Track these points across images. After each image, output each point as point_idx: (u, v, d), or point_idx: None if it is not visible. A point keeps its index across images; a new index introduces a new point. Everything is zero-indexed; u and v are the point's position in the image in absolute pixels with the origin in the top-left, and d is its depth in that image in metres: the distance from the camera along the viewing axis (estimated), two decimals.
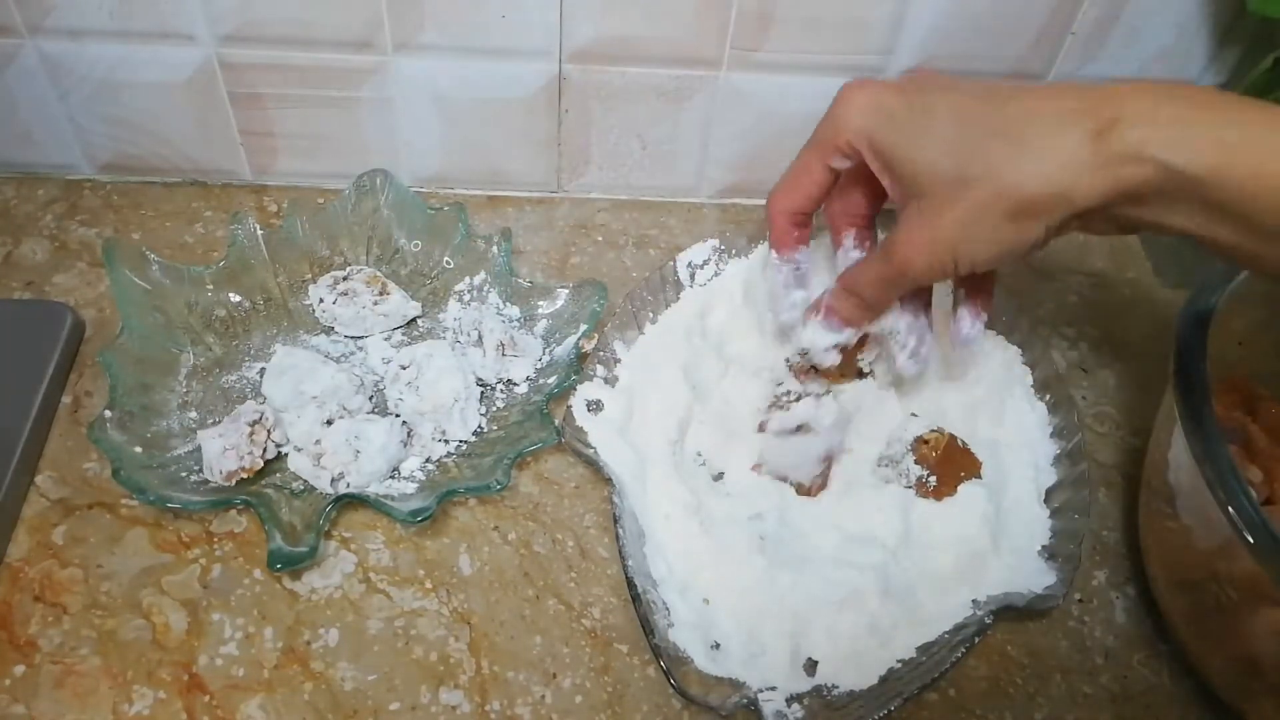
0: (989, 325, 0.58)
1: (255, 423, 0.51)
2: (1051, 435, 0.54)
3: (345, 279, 0.57)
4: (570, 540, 0.52)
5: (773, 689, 0.45)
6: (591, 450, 0.52)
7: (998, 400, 0.55)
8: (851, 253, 0.49)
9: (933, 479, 0.51)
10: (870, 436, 0.53)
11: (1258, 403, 0.51)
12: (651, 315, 0.58)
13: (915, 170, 0.41)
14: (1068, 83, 0.40)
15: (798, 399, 0.52)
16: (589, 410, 0.53)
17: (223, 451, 0.50)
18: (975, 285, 0.48)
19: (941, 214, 0.40)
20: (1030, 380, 0.56)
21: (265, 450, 0.51)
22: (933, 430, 0.52)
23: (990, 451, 0.53)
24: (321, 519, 0.48)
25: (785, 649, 0.47)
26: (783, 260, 0.50)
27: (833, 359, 0.50)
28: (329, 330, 0.58)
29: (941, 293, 0.53)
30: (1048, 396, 0.55)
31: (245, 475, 0.50)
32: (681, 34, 0.58)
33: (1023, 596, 0.47)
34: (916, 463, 0.51)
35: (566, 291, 0.58)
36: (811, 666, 0.46)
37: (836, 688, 0.45)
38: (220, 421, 0.52)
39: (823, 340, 0.49)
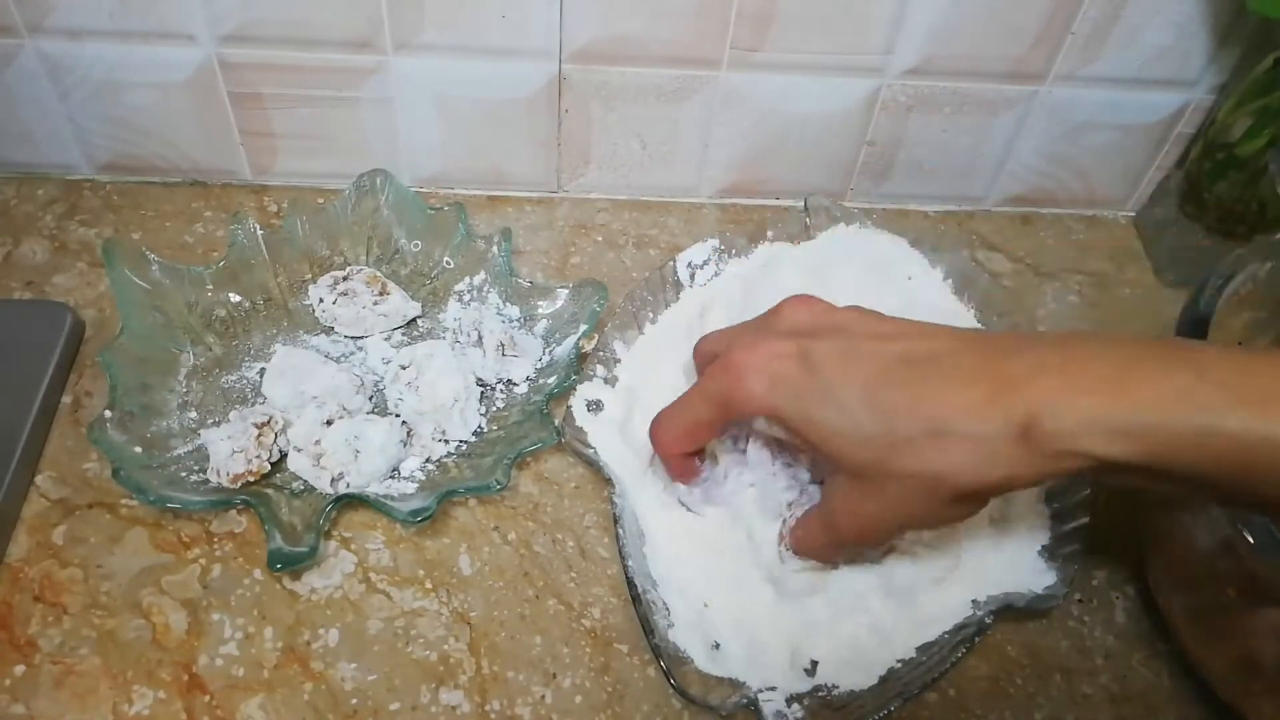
0: (990, 324, 0.58)
1: (263, 425, 0.51)
2: None
3: (345, 279, 0.57)
4: (570, 540, 0.52)
5: (773, 689, 0.45)
6: (591, 450, 0.52)
7: None
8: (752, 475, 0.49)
9: None
10: None
11: None
12: (651, 315, 0.58)
13: (833, 448, 0.40)
14: (963, 348, 0.39)
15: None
16: (589, 410, 0.53)
17: (230, 454, 0.50)
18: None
19: (882, 497, 0.40)
20: None
21: (272, 453, 0.51)
22: None
23: None
24: (321, 519, 0.48)
25: (785, 649, 0.47)
26: (686, 489, 0.50)
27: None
28: (329, 330, 0.58)
29: None
30: None
31: (252, 478, 0.50)
32: (682, 34, 0.58)
33: (1023, 596, 0.47)
34: None
35: (566, 291, 0.58)
36: (812, 666, 0.46)
37: (836, 688, 0.45)
38: (221, 422, 0.52)
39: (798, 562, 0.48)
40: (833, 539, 0.44)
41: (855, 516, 0.42)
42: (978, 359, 0.38)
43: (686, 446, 0.47)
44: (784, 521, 0.48)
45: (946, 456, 0.37)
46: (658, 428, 0.46)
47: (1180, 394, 0.34)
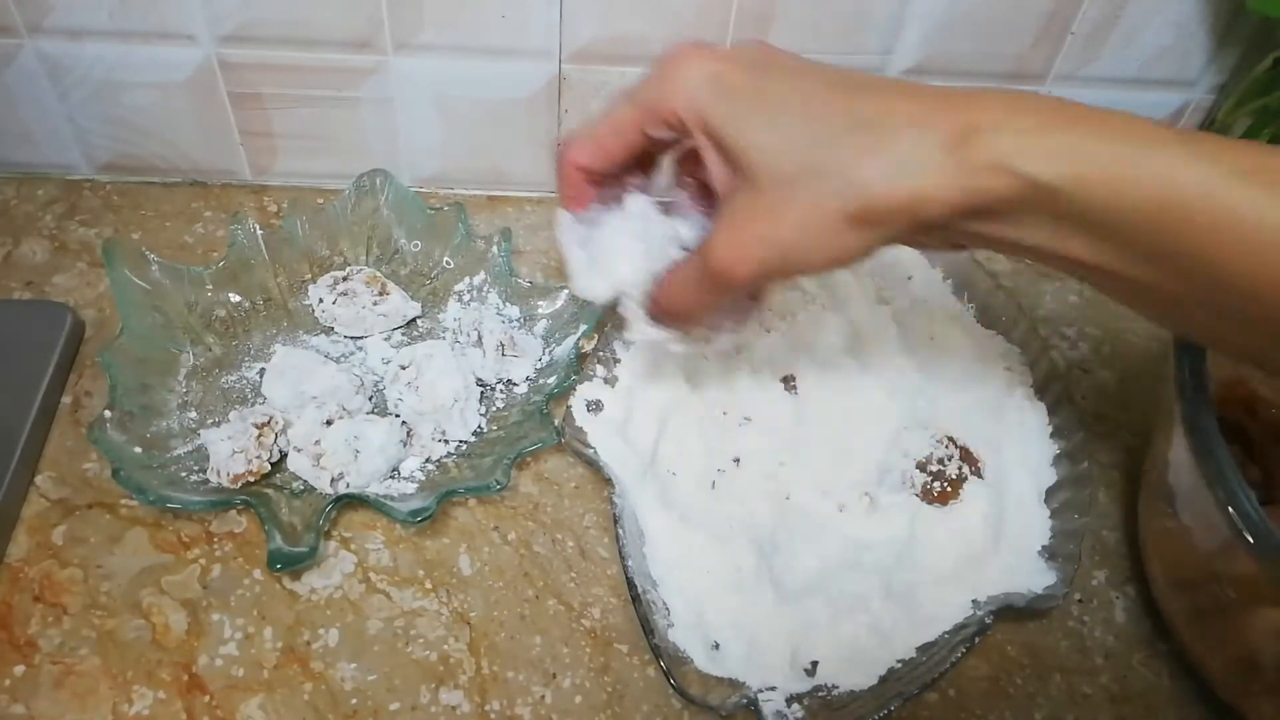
0: (990, 324, 0.58)
1: (263, 425, 0.51)
2: (1051, 435, 0.54)
3: (345, 279, 0.57)
4: (570, 540, 0.52)
5: (773, 689, 0.45)
6: (591, 450, 0.52)
7: (997, 400, 0.55)
8: (638, 207, 0.43)
9: (937, 485, 0.51)
10: (870, 441, 0.53)
11: (1257, 403, 0.51)
12: None
13: (752, 158, 0.37)
14: (921, 85, 0.37)
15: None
16: (589, 410, 0.53)
17: (231, 454, 0.50)
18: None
19: (776, 212, 0.37)
20: (1030, 380, 0.56)
21: (272, 453, 0.51)
22: (940, 443, 0.52)
23: (991, 450, 0.53)
24: (321, 519, 0.48)
25: (785, 649, 0.47)
26: (576, 219, 0.44)
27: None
28: (329, 330, 0.58)
29: None
30: (1048, 396, 0.55)
31: (252, 478, 0.50)
32: (682, 34, 0.58)
33: (1023, 597, 0.47)
34: (920, 469, 0.51)
35: (566, 292, 0.58)
36: (812, 667, 0.46)
37: (837, 688, 0.45)
38: (221, 422, 0.52)
39: (649, 334, 0.45)
40: (704, 274, 0.39)
41: (739, 235, 0.38)
42: (930, 90, 0.36)
43: (595, 157, 0.42)
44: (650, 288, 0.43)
45: (869, 160, 0.35)
46: (567, 143, 0.42)
47: (1125, 129, 0.33)
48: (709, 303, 0.42)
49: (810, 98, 0.37)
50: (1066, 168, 0.33)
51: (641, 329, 0.45)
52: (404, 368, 0.54)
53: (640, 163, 0.44)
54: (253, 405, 0.54)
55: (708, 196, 0.43)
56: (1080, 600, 0.51)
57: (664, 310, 0.43)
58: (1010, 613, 0.48)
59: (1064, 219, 0.34)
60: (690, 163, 0.43)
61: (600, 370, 0.55)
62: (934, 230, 0.36)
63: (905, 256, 0.60)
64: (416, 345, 0.56)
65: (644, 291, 0.44)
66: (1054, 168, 0.33)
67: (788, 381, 0.54)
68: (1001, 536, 0.50)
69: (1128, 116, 0.33)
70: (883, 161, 0.35)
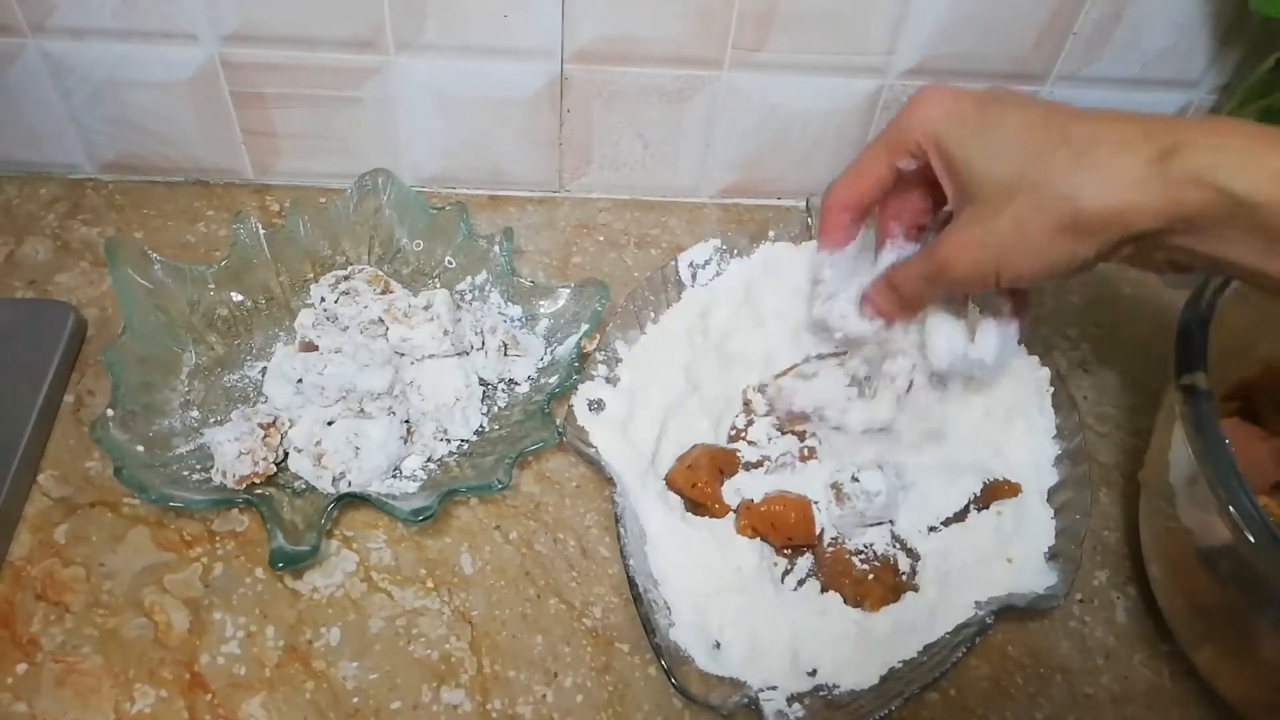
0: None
1: (269, 425, 0.51)
2: (1053, 435, 0.54)
3: (347, 278, 0.58)
4: (572, 540, 0.52)
5: (773, 688, 0.45)
6: (593, 450, 0.52)
7: (1014, 406, 0.54)
8: (896, 251, 0.49)
9: None
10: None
11: (1258, 403, 0.51)
12: (653, 315, 0.58)
13: (975, 175, 0.41)
14: (1131, 112, 0.40)
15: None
16: (590, 410, 0.54)
17: (238, 455, 0.50)
18: (1013, 300, 0.48)
19: (993, 217, 0.40)
20: (1049, 387, 0.55)
21: (277, 454, 0.51)
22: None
23: (995, 452, 0.53)
24: (323, 518, 0.48)
25: (786, 649, 0.47)
26: (829, 253, 0.50)
27: (859, 339, 0.49)
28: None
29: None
30: (1049, 397, 0.55)
31: (257, 479, 0.50)
32: (683, 34, 0.59)
33: (1024, 597, 0.47)
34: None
35: (568, 291, 0.58)
36: (813, 671, 0.46)
37: (837, 687, 0.45)
38: (223, 421, 0.52)
39: (854, 325, 0.49)
40: (926, 266, 0.44)
41: (960, 237, 0.42)
42: (1141, 115, 0.39)
43: (853, 193, 0.47)
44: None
45: (1077, 174, 0.38)
46: (831, 186, 0.48)
47: None
48: (928, 292, 0.46)
49: (1029, 123, 0.40)
50: (1268, 184, 0.35)
51: (850, 320, 0.49)
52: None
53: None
54: (254, 405, 0.54)
55: None
56: (1081, 600, 0.51)
57: (890, 289, 0.47)
58: (1011, 613, 0.48)
59: (1268, 236, 0.36)
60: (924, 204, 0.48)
61: (602, 370, 0.55)
62: (1143, 243, 0.39)
63: None
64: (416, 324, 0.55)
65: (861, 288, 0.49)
66: (1255, 183, 0.35)
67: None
68: (1003, 536, 0.50)
69: None
70: (1091, 175, 0.38)
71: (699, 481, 0.50)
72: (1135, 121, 0.38)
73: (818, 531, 0.50)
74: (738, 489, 0.51)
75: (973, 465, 0.52)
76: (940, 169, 0.43)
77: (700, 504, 0.51)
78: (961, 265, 0.42)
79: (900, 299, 0.47)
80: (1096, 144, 0.38)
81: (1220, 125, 0.37)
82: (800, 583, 0.50)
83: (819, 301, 0.51)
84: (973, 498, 0.51)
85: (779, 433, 0.52)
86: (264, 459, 0.50)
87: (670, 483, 0.51)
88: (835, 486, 0.49)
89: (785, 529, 0.49)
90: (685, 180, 0.68)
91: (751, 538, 0.50)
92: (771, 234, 0.60)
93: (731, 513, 0.51)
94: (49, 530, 0.50)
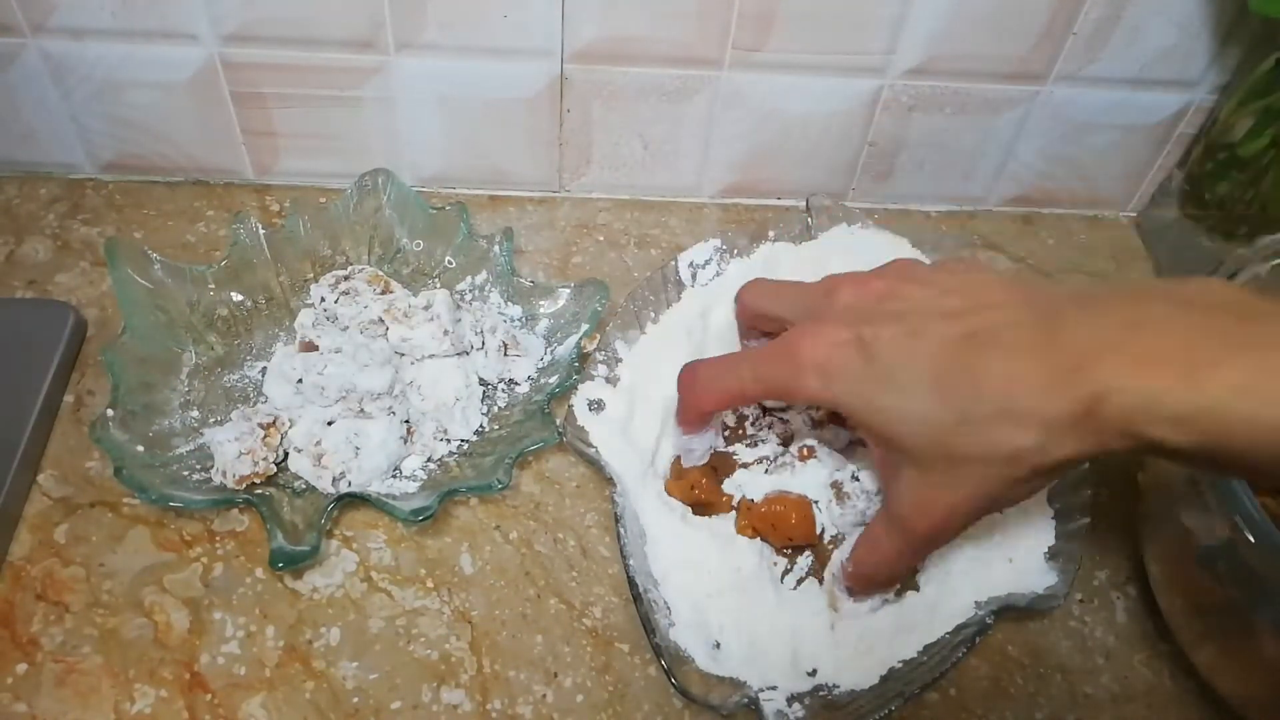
0: None
1: (269, 425, 0.51)
2: None
3: (347, 278, 0.58)
4: (572, 539, 0.52)
5: (774, 688, 0.45)
6: (593, 450, 0.52)
7: None
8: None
9: None
10: None
11: None
12: (653, 315, 0.58)
13: (903, 440, 0.40)
14: (1029, 321, 0.38)
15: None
16: (590, 410, 0.53)
17: (238, 455, 0.50)
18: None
19: (956, 484, 0.39)
20: None
21: (278, 454, 0.51)
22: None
23: None
24: (323, 518, 0.48)
25: (786, 649, 0.47)
26: (690, 436, 0.50)
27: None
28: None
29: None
30: None
31: (258, 480, 0.50)
32: (683, 34, 0.59)
33: (1024, 597, 0.47)
34: None
35: (568, 291, 0.58)
36: (813, 672, 0.46)
37: (837, 687, 0.45)
38: (224, 421, 0.52)
39: (857, 609, 0.48)
40: (906, 541, 0.43)
41: (930, 509, 0.40)
42: (1039, 332, 0.37)
43: (716, 407, 0.47)
44: (835, 566, 0.48)
45: (1016, 437, 0.37)
46: (694, 379, 0.46)
47: (1244, 388, 0.33)
48: (913, 565, 0.47)
49: (933, 373, 0.38)
50: (1194, 436, 0.33)
51: (848, 606, 0.48)
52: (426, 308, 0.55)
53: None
54: (254, 404, 0.54)
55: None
56: (1081, 600, 0.51)
57: (865, 578, 0.46)
58: (1011, 612, 0.48)
59: (1206, 462, 0.35)
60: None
61: (602, 370, 0.55)
62: None
63: (907, 256, 0.59)
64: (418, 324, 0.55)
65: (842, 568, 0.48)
66: (1183, 437, 0.34)
67: None
68: (1003, 537, 0.50)
69: (1250, 362, 0.33)
70: (1031, 439, 0.37)
71: (696, 485, 0.50)
72: (1040, 355, 0.36)
73: (818, 531, 0.50)
74: (739, 485, 0.51)
75: None
76: (850, 424, 0.44)
77: (705, 505, 0.51)
78: (947, 534, 0.42)
79: (882, 583, 0.47)
80: (1016, 401, 0.36)
81: (1129, 346, 0.35)
82: (800, 582, 0.50)
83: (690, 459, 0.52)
84: None
85: (774, 435, 0.52)
86: (264, 459, 0.50)
87: (670, 493, 0.51)
88: (835, 485, 0.49)
89: (786, 529, 0.49)
90: (685, 180, 0.68)
91: (752, 538, 0.50)
92: (771, 234, 0.60)
93: (734, 509, 0.51)
94: (49, 530, 0.50)
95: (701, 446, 0.51)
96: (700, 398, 0.46)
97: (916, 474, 0.40)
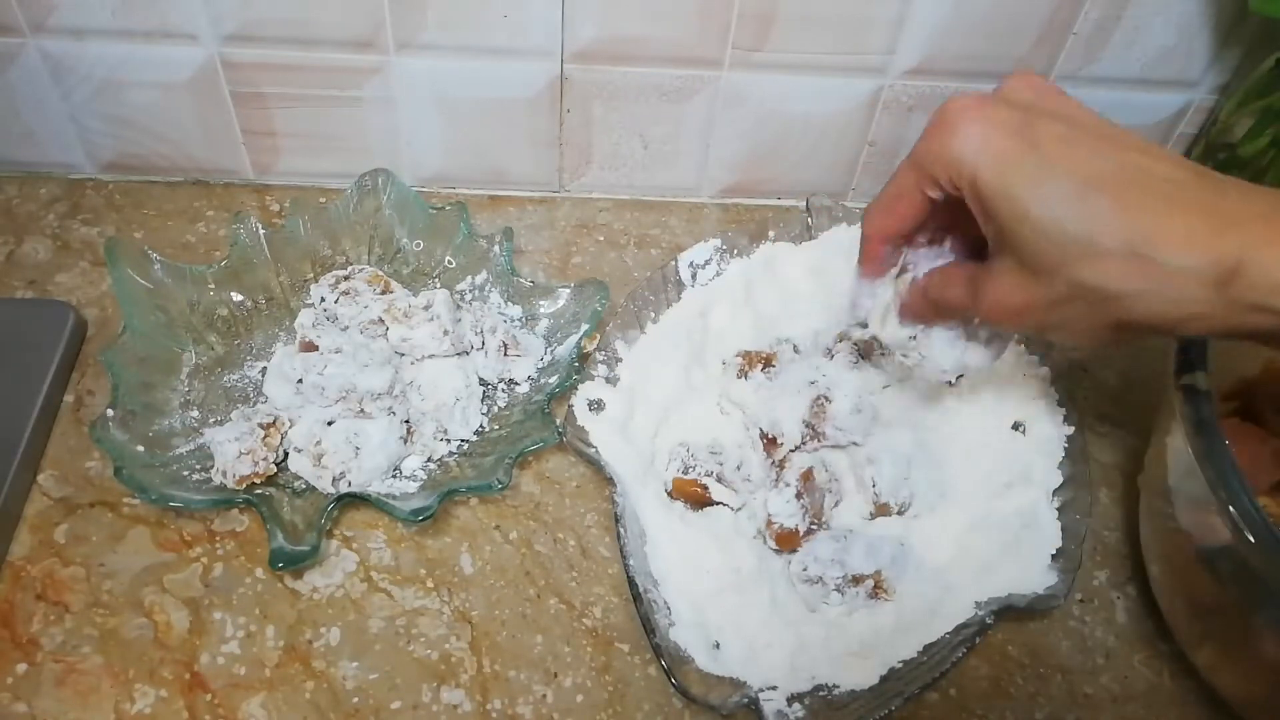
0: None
1: (269, 425, 0.51)
2: (1053, 436, 0.54)
3: (347, 278, 0.58)
4: (571, 539, 0.52)
5: (773, 688, 0.45)
6: (593, 450, 0.52)
7: (1014, 406, 0.54)
8: (918, 256, 0.45)
9: None
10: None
11: (1258, 403, 0.51)
12: (653, 315, 0.58)
13: (1021, 235, 0.38)
14: (1184, 176, 0.36)
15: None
16: (590, 410, 0.54)
17: (238, 455, 0.50)
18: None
19: (1043, 294, 0.38)
20: (1056, 395, 0.55)
21: (278, 454, 0.51)
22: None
23: (995, 453, 0.53)
24: (323, 518, 0.48)
25: (786, 649, 0.47)
26: (870, 282, 0.47)
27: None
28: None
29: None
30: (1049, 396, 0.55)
31: (258, 480, 0.50)
32: (683, 34, 0.59)
33: (1024, 597, 0.47)
34: None
35: (568, 291, 0.58)
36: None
37: (837, 687, 0.45)
38: (224, 421, 0.52)
39: (896, 335, 0.46)
40: (972, 304, 0.41)
41: (1010, 298, 0.39)
42: (1192, 191, 0.36)
43: (890, 222, 0.43)
44: (904, 280, 0.45)
45: (1136, 282, 0.35)
46: (867, 209, 0.44)
47: None
48: (960, 317, 0.44)
49: (1084, 184, 0.36)
50: None
51: (890, 330, 0.46)
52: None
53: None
54: (254, 404, 0.54)
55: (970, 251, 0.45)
56: (1081, 600, 0.51)
57: (928, 301, 0.44)
58: (1011, 612, 0.48)
59: None
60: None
61: (602, 370, 0.55)
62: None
63: None
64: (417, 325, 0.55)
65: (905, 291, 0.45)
66: None
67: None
68: (1004, 537, 0.50)
69: None
70: (1151, 289, 0.35)
71: (694, 485, 0.50)
72: (1191, 210, 0.35)
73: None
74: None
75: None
76: (978, 211, 0.39)
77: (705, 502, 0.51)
78: (1004, 318, 0.40)
79: (936, 312, 0.44)
80: (1155, 247, 0.35)
81: (1273, 218, 0.34)
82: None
83: (873, 322, 0.48)
84: None
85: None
86: (264, 459, 0.50)
87: (674, 494, 0.51)
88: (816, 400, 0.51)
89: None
90: (685, 180, 0.68)
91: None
92: (771, 234, 0.60)
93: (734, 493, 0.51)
94: (49, 530, 0.50)
95: (873, 299, 0.47)
96: (868, 219, 0.44)
97: (1018, 268, 0.39)
